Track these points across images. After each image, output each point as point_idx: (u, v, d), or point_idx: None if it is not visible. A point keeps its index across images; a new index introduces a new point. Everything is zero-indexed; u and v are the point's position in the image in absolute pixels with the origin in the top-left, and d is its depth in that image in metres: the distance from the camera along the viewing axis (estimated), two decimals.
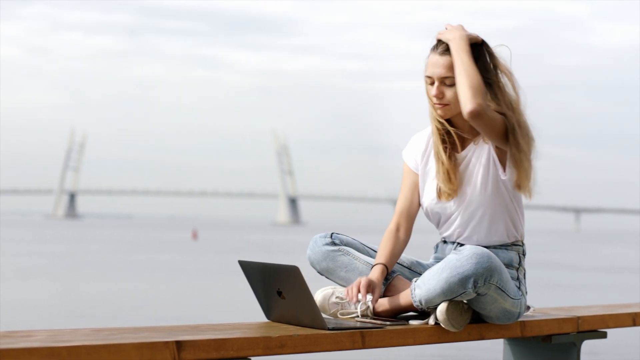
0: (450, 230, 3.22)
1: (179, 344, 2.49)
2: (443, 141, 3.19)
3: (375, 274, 3.11)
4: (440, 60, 3.14)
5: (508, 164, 3.14)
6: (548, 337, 3.39)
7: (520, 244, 3.23)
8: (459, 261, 2.94)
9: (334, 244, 3.19)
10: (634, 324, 3.73)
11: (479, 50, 3.13)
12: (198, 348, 2.52)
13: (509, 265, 3.17)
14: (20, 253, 25.21)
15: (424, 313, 3.08)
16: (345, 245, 3.20)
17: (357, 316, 3.09)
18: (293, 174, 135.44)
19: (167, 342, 2.47)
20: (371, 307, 3.09)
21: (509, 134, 3.10)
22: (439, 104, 3.15)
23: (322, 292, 3.17)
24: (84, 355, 2.32)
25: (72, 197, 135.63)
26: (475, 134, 3.18)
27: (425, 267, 3.27)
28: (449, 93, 3.14)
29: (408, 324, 3.03)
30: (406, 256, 3.27)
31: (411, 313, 3.12)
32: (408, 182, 3.29)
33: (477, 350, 7.53)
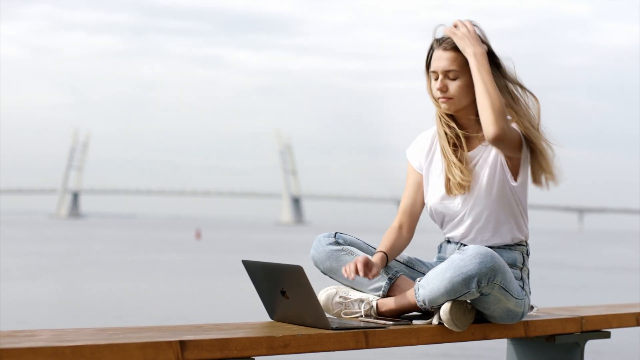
0: (454, 231, 3.22)
1: (182, 344, 2.49)
2: (449, 142, 3.19)
3: (374, 258, 3.11)
4: (444, 54, 3.14)
5: (521, 169, 3.14)
6: (552, 337, 3.39)
7: (524, 244, 3.23)
8: (462, 261, 2.94)
9: (337, 243, 3.19)
10: (638, 324, 3.72)
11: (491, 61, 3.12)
12: (202, 348, 2.52)
13: (512, 265, 3.17)
14: (24, 253, 25.23)
15: (427, 313, 3.08)
16: (349, 245, 3.20)
17: (361, 316, 3.09)
18: (296, 174, 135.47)
19: (170, 342, 2.47)
20: (375, 307, 3.10)
21: (524, 144, 3.11)
22: (443, 98, 3.15)
23: (325, 291, 3.17)
24: (87, 355, 2.33)
25: (76, 196, 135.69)
26: (480, 130, 3.17)
27: (426, 265, 3.27)
28: (452, 86, 3.14)
29: (412, 323, 3.03)
30: (403, 254, 3.27)
31: (415, 313, 3.12)
32: (412, 181, 3.29)
33: (481, 350, 7.53)
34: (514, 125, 3.11)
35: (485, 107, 3.02)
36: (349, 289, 3.19)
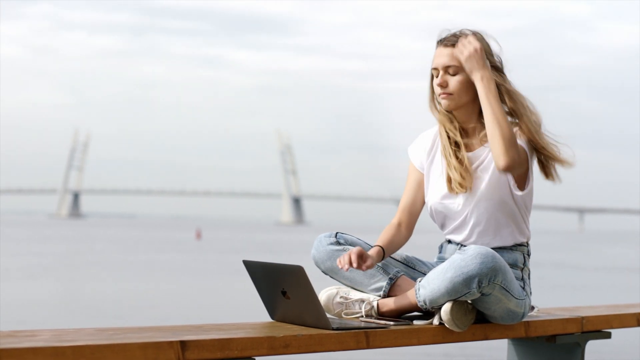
0: (455, 234, 3.21)
1: (183, 344, 2.49)
2: (450, 141, 3.18)
3: (371, 251, 3.11)
4: (444, 50, 3.14)
5: (527, 177, 3.12)
6: (552, 338, 3.39)
7: (525, 244, 3.23)
8: (463, 261, 2.93)
9: (338, 243, 3.19)
10: (638, 324, 3.72)
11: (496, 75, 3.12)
12: (202, 348, 2.52)
13: (513, 266, 3.17)
14: (24, 252, 25.24)
15: (428, 313, 3.08)
16: (350, 245, 3.20)
17: (362, 316, 3.09)
18: (296, 174, 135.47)
19: (171, 342, 2.47)
20: (375, 307, 3.10)
21: (530, 155, 3.10)
22: (443, 94, 3.14)
23: (326, 292, 3.17)
24: (88, 355, 2.33)
25: (76, 196, 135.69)
26: (482, 129, 3.17)
27: (426, 265, 3.26)
28: (452, 82, 3.13)
29: (412, 324, 3.03)
30: (403, 253, 3.27)
31: (415, 313, 3.12)
32: (412, 179, 3.29)
33: (482, 350, 7.53)
34: (519, 140, 3.09)
35: (495, 137, 3.01)
36: (349, 289, 3.19)
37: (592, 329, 3.51)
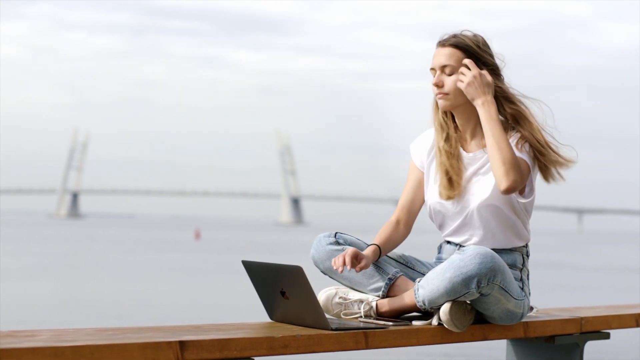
0: (453, 236, 3.21)
1: (182, 344, 2.49)
2: (447, 140, 3.18)
3: (366, 251, 3.11)
4: (442, 50, 3.14)
5: (528, 185, 3.12)
6: (551, 338, 3.39)
7: (524, 245, 3.23)
8: (462, 261, 2.93)
9: (337, 243, 3.19)
10: (637, 325, 3.73)
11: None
12: (201, 348, 2.52)
13: (512, 266, 3.17)
14: (23, 252, 25.23)
15: (427, 313, 3.08)
16: (349, 245, 3.20)
17: (361, 316, 3.09)
18: (296, 174, 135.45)
19: (170, 342, 2.48)
20: (374, 307, 3.10)
21: (532, 166, 3.10)
22: (439, 94, 3.14)
23: (325, 292, 3.17)
24: (87, 355, 2.33)
25: (75, 196, 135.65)
26: (480, 131, 3.17)
27: (425, 265, 3.26)
28: (448, 82, 3.13)
29: (411, 324, 3.03)
30: (402, 252, 3.27)
31: (414, 313, 3.12)
32: (413, 177, 3.29)
33: (481, 350, 7.53)
34: (520, 153, 3.09)
35: (497, 161, 3.01)
36: (348, 289, 3.19)
37: (591, 330, 3.51)
